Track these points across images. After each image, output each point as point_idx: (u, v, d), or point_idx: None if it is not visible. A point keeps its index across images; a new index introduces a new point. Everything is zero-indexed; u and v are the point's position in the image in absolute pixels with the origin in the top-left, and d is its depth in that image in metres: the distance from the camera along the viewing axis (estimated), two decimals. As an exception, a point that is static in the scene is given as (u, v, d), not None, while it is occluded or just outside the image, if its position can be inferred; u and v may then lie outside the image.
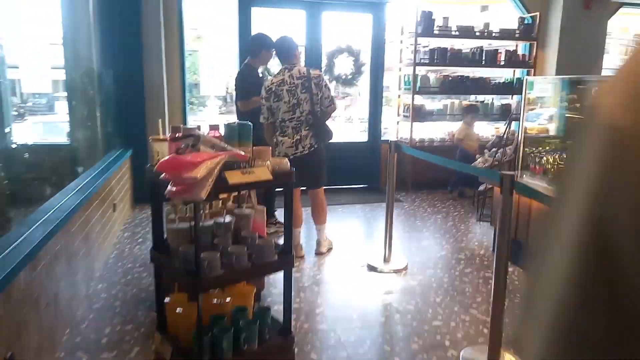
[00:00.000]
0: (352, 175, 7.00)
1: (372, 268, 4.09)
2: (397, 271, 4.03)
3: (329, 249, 4.39)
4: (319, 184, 4.15)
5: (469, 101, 7.26)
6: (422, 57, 6.73)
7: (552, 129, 4.21)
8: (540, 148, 4.29)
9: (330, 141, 4.29)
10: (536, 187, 3.66)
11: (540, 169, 4.11)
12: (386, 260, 4.16)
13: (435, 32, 6.71)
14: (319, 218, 4.23)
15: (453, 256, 4.43)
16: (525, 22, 7.12)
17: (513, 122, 5.77)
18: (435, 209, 6.04)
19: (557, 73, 7.02)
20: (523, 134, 4.26)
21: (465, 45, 7.07)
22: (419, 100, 6.99)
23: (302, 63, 5.37)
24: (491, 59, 7.06)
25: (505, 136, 5.54)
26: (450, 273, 4.02)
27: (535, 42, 7.16)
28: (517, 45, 7.36)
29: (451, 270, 4.09)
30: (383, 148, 7.13)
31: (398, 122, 7.18)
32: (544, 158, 4.07)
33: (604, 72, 7.74)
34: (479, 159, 5.92)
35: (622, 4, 7.40)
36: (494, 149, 5.63)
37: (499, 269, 2.51)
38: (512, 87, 7.28)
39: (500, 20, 7.26)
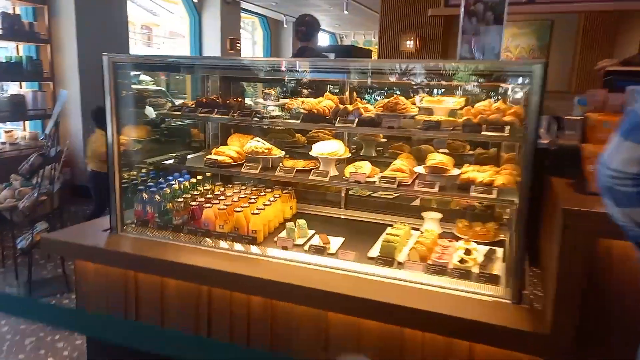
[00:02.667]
0: None
1: None
2: None
3: None
4: None
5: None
6: None
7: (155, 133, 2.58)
8: (144, 170, 2.56)
9: None
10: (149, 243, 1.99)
11: (152, 213, 2.41)
12: None
13: None
14: None
15: None
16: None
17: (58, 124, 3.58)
18: None
19: (80, 53, 5.20)
20: (116, 146, 2.39)
21: None
22: None
23: None
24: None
25: (50, 150, 3.37)
26: None
27: (45, 7, 5.00)
28: (15, 9, 4.95)
29: None
30: None
31: None
32: (157, 193, 2.39)
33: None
34: (2, 192, 3.46)
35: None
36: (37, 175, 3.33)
37: None
38: (23, 71, 4.89)
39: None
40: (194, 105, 2.63)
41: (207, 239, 2.33)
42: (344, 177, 2.31)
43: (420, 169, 2.28)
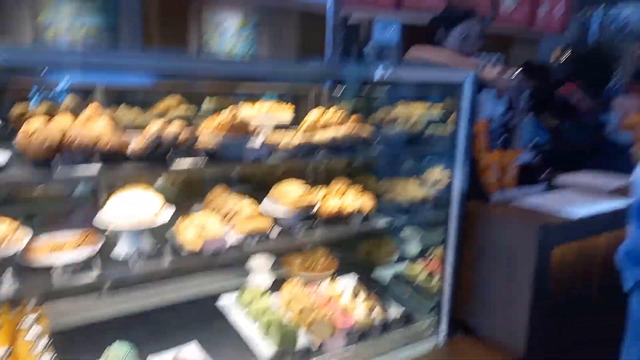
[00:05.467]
0: None
1: None
2: None
3: None
4: None
5: None
6: None
7: None
8: None
9: None
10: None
11: None
12: None
13: None
14: None
15: None
16: None
17: None
18: None
19: None
20: None
21: None
22: None
23: None
24: None
25: None
26: None
27: None
28: None
29: None
30: None
31: None
32: None
33: None
34: None
35: None
36: None
37: None
38: None
39: None
40: None
41: None
42: (184, 253, 1.35)
43: (272, 209, 1.62)
